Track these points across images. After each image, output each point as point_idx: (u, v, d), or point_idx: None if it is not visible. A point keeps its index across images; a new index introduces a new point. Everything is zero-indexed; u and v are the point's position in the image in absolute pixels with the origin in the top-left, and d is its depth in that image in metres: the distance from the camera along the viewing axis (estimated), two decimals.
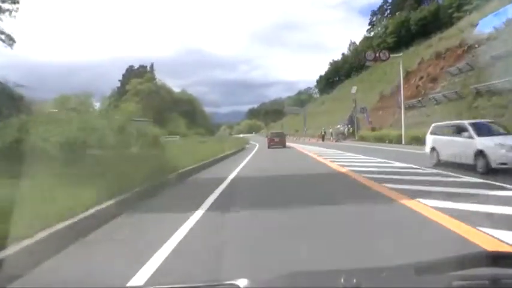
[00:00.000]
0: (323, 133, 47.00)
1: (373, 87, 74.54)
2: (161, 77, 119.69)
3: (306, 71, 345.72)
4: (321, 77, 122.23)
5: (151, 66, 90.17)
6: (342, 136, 41.16)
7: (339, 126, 42.33)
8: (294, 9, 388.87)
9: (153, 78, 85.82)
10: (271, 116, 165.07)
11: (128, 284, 3.50)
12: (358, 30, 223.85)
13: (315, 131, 70.77)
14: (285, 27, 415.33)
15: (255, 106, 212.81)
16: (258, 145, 39.70)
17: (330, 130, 46.47)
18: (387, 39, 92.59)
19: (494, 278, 1.27)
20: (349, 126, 41.84)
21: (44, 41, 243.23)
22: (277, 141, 33.71)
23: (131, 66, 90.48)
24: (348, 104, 79.12)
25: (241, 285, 1.27)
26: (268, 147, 33.28)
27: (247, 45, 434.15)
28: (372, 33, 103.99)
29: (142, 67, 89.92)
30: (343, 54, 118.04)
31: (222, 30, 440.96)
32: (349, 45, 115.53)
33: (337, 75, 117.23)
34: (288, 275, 1.41)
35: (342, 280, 1.25)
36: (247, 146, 38.22)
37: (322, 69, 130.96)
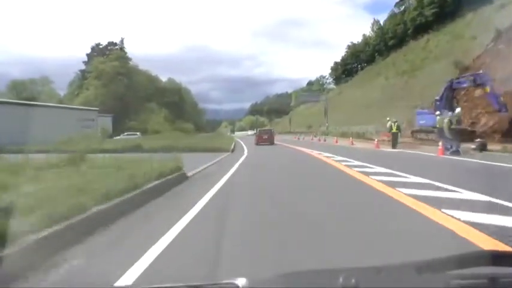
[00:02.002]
0: (394, 129, 22.96)
1: (417, 68, 54.74)
2: (164, 74, 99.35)
3: (310, 68, 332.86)
4: (336, 63, 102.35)
5: (122, 41, 70.40)
6: (452, 136, 17.29)
7: (454, 115, 18.99)
8: (298, 6, 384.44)
9: (122, 58, 65.88)
10: (276, 111, 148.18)
11: (116, 284, 3.25)
12: (363, 27, 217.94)
13: (334, 128, 51.27)
14: (289, 23, 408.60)
15: (258, 101, 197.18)
16: (244, 155, 18.78)
17: (389, 123, 25.51)
18: (424, 11, 72.77)
19: (493, 277, 1.27)
20: (452, 114, 19.10)
21: (51, 36, 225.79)
22: (266, 138, 33.63)
23: (98, 44, 70.72)
24: (380, 92, 59.67)
25: (239, 285, 1.25)
26: (256, 144, 32.32)
27: (251, 42, 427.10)
28: (403, 7, 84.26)
29: (112, 44, 70.19)
30: (363, 35, 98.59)
31: (226, 26, 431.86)
32: (372, 24, 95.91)
33: (356, 61, 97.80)
34: (286, 275, 1.41)
35: (341, 279, 1.23)
36: (206, 166, 14.24)
37: (327, 65, 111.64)
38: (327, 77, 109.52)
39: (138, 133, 46.52)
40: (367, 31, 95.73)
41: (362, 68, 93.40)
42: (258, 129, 42.03)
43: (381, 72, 74.72)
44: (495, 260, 1.36)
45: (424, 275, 1.37)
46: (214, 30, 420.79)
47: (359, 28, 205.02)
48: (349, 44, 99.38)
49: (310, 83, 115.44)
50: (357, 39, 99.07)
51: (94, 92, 58.20)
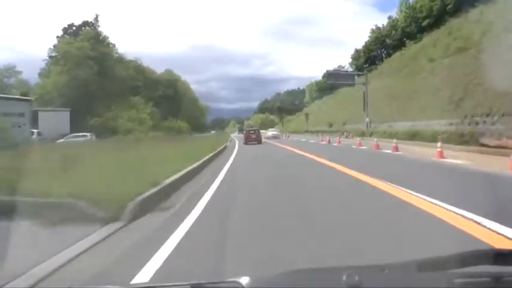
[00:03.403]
0: None
1: (480, 43, 41.04)
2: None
3: (321, 66, 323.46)
4: (358, 51, 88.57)
5: (96, 18, 57.40)
6: None
7: None
8: (307, 4, 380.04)
9: (95, 38, 52.82)
10: (287, 109, 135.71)
11: (132, 282, 3.10)
12: (373, 23, 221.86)
13: (374, 126, 37.94)
14: (299, 21, 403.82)
15: (268, 98, 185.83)
16: None
17: None
18: None
19: (497, 276, 1.25)
20: None
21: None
22: (254, 138, 35.35)
23: (70, 25, 57.79)
24: (428, 77, 45.34)
25: (243, 283, 1.24)
26: (245, 143, 34.13)
27: (261, 40, 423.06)
28: None
29: (88, 24, 57.35)
30: (389, 17, 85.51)
31: (235, 25, 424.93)
32: (400, 4, 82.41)
33: (381, 47, 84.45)
34: (290, 273, 1.41)
35: (344, 277, 1.22)
36: None
37: (338, 62, 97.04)
38: (346, 67, 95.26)
39: (88, 134, 33.71)
40: (381, 23, 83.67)
41: (389, 55, 79.76)
42: (247, 129, 44.17)
43: (418, 56, 61.09)
44: (498, 259, 1.33)
45: (428, 273, 1.34)
46: (224, 30, 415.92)
47: (368, 25, 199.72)
48: (373, 27, 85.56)
49: (326, 75, 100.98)
50: (366, 37, 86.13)
51: (53, 80, 45.52)
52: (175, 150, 16.70)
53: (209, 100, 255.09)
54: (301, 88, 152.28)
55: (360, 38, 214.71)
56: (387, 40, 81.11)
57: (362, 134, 31.62)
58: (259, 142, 34.47)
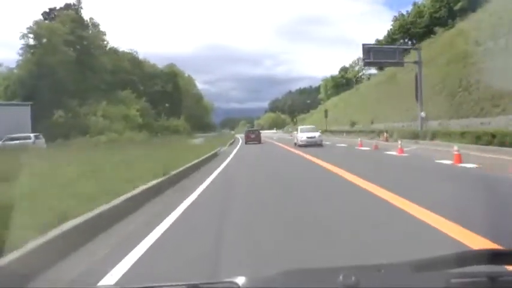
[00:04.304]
0: None
1: None
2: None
3: (332, 65, 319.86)
4: (378, 41, 80.00)
5: (79, 0, 49.87)
6: None
7: None
8: (318, 3, 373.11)
9: (75, 22, 45.20)
10: (299, 108, 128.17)
11: (100, 283, 3.11)
12: (383, 23, 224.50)
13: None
14: (310, 21, 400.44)
15: (279, 97, 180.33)
16: None
17: None
18: None
19: (493, 276, 1.26)
20: None
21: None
22: (254, 138, 37.52)
23: (52, 9, 50.32)
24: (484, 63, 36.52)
25: (239, 283, 1.25)
26: (246, 143, 36.46)
27: (272, 40, 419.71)
28: None
29: (71, 8, 49.90)
30: (414, 3, 77.70)
31: (247, 25, 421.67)
32: None
33: (405, 36, 76.62)
34: (286, 273, 1.41)
35: (341, 277, 1.22)
36: None
37: (350, 62, 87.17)
38: (361, 64, 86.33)
39: (32, 136, 26.12)
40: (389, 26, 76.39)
41: (413, 44, 71.47)
42: (247, 129, 46.17)
43: (454, 42, 52.24)
44: (494, 259, 1.34)
45: (424, 273, 1.35)
46: (235, 30, 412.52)
47: (379, 24, 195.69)
48: (396, 15, 77.66)
49: (343, 69, 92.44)
50: (378, 35, 78.28)
51: (19, 69, 38.10)
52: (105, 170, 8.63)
53: (220, 100, 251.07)
54: (313, 87, 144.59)
55: (372, 37, 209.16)
56: (411, 29, 73.03)
57: (415, 136, 22.82)
58: (259, 142, 36.59)
